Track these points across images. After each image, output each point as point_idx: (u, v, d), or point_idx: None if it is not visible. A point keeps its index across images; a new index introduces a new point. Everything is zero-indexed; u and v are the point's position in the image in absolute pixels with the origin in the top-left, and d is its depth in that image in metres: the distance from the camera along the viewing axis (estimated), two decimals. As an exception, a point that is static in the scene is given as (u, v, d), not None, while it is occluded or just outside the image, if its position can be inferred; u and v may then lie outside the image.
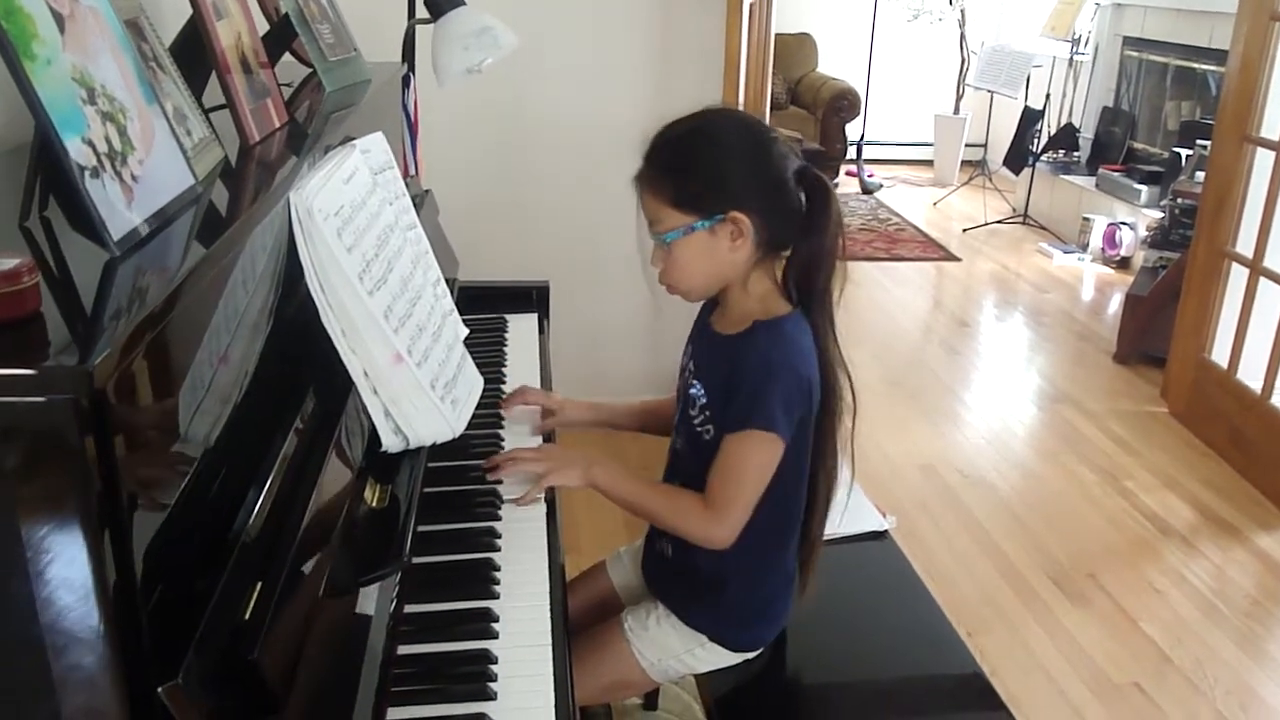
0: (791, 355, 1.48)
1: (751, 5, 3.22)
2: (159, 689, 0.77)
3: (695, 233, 1.46)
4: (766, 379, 1.46)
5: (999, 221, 6.73)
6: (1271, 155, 3.51)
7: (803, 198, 1.48)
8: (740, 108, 3.16)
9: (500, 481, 1.62)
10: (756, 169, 1.47)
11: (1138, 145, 6.45)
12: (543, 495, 1.59)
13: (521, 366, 2.06)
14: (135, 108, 1.05)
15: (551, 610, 1.37)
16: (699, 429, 1.56)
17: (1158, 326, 4.26)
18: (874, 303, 5.27)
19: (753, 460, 1.49)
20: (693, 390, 1.57)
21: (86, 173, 0.90)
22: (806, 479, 1.60)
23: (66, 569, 0.72)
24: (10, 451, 0.70)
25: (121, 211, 0.94)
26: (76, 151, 0.90)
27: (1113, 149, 6.49)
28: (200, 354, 0.96)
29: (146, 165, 1.02)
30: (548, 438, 1.83)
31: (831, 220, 1.48)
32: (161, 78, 1.20)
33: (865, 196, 7.49)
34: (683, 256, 1.49)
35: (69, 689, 0.76)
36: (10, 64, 0.86)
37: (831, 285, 1.52)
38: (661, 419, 1.80)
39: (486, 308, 2.25)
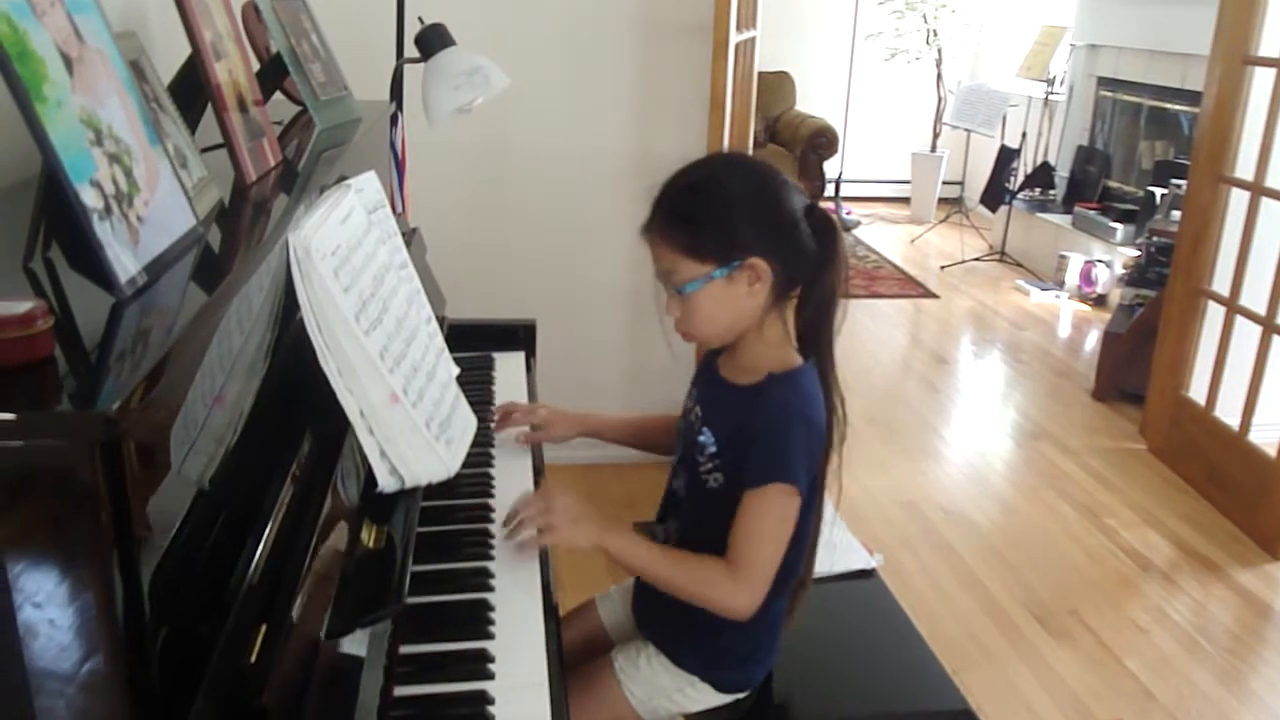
0: (808, 407, 1.48)
1: (737, 45, 3.25)
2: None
3: (713, 281, 1.45)
4: (786, 433, 1.45)
5: (976, 259, 6.78)
6: (1246, 195, 3.57)
7: (812, 236, 1.49)
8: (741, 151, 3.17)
9: (492, 520, 1.62)
10: (769, 213, 1.47)
11: (1113, 184, 6.54)
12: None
13: (510, 404, 2.05)
14: (140, 149, 1.05)
15: (547, 650, 1.36)
16: (705, 475, 1.55)
17: (1135, 364, 4.29)
18: (853, 340, 5.29)
19: (775, 516, 1.46)
20: (701, 438, 1.55)
21: (95, 215, 0.90)
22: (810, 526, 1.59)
23: (80, 612, 0.72)
24: (26, 495, 0.70)
25: (128, 253, 0.94)
26: (87, 194, 0.90)
27: (1088, 187, 6.57)
28: (205, 397, 0.95)
29: (151, 206, 1.03)
30: (536, 458, 1.83)
31: (840, 257, 1.49)
32: (163, 118, 1.20)
33: (843, 234, 7.52)
34: (701, 306, 1.47)
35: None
36: (23, 106, 0.86)
37: (835, 323, 1.53)
38: (652, 437, 1.81)
39: (473, 346, 2.25)
